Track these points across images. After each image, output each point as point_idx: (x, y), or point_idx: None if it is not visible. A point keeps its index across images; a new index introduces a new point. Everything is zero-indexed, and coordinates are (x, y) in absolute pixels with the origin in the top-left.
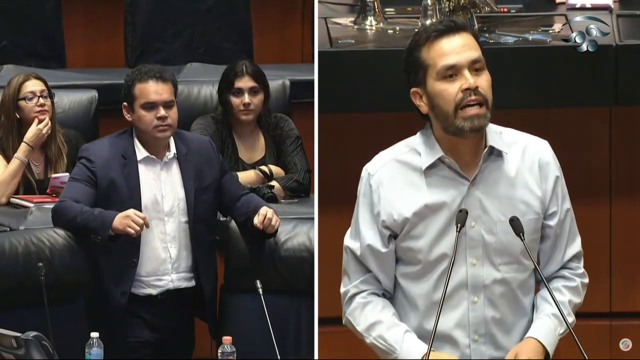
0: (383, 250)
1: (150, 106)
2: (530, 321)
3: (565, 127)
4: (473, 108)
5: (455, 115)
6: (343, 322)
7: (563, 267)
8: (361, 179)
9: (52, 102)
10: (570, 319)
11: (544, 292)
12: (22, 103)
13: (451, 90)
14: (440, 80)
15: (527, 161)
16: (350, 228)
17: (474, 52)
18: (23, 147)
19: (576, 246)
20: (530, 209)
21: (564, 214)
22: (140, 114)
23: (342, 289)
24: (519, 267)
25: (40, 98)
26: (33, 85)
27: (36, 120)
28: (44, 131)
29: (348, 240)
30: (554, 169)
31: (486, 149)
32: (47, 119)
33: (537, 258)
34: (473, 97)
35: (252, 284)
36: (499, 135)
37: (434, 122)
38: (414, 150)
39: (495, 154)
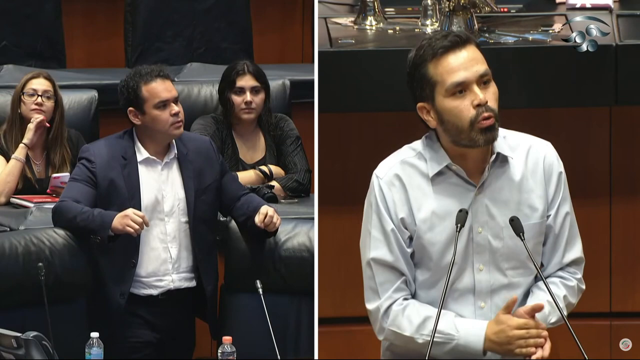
0: (409, 250)
1: (164, 104)
2: None
3: (565, 127)
4: (487, 120)
5: (471, 130)
6: (382, 338)
7: (561, 269)
8: (371, 186)
9: (60, 105)
10: (559, 312)
11: (539, 283)
12: (23, 98)
13: (462, 107)
14: (449, 97)
15: (530, 163)
16: (368, 243)
17: (481, 66)
18: (20, 147)
19: (576, 251)
20: (535, 213)
21: (563, 215)
22: (155, 114)
23: (371, 306)
24: (525, 272)
25: (41, 97)
26: (38, 84)
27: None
28: (32, 126)
29: (372, 252)
30: (557, 168)
31: (494, 156)
32: (41, 117)
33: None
34: (487, 114)
35: (252, 284)
36: (503, 140)
37: (442, 135)
38: (420, 154)
39: (501, 159)
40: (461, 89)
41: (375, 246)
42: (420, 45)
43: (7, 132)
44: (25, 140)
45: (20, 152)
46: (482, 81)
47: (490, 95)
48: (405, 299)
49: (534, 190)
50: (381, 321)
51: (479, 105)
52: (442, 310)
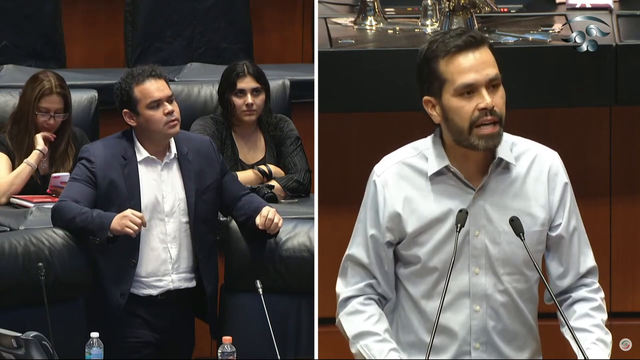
0: (385, 254)
1: (157, 104)
2: (533, 331)
3: (565, 127)
4: (488, 127)
5: (470, 132)
6: (336, 322)
7: (579, 283)
8: (368, 180)
9: (69, 116)
10: (609, 337)
11: (580, 322)
12: (37, 113)
13: (467, 108)
14: (457, 96)
15: (534, 171)
16: (353, 236)
17: (492, 70)
18: (35, 154)
19: (591, 260)
20: (536, 221)
21: (573, 226)
22: (148, 114)
23: (338, 290)
24: (521, 278)
25: (52, 118)
26: (51, 102)
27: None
28: (40, 138)
29: (352, 249)
30: (562, 179)
31: (494, 161)
32: (49, 136)
33: (549, 271)
34: (489, 117)
35: (252, 284)
36: (509, 145)
37: (445, 132)
38: (422, 155)
39: (503, 165)
40: (470, 90)
41: (356, 243)
42: (434, 39)
43: (18, 136)
44: (39, 147)
45: (33, 158)
46: (491, 84)
47: (498, 100)
48: (370, 298)
49: (536, 199)
50: (338, 308)
51: (483, 109)
52: (388, 338)
